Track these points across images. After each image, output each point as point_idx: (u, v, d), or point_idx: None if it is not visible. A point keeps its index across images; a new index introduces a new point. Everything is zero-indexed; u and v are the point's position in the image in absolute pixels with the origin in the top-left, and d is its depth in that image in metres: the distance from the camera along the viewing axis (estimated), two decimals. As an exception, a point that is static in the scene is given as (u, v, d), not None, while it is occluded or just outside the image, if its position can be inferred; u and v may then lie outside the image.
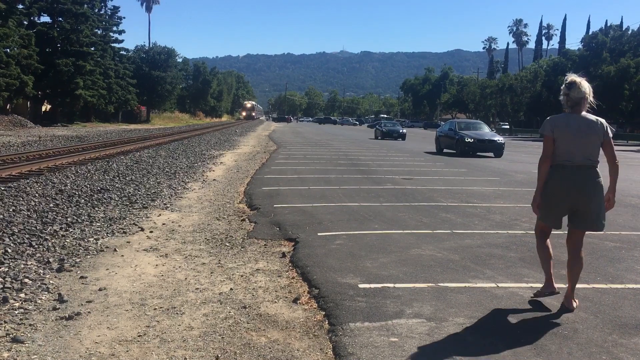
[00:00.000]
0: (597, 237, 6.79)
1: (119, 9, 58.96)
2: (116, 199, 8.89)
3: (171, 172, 13.16)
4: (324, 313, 4.09)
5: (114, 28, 58.59)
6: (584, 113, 4.17)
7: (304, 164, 16.58)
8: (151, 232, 6.78)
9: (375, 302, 4.25)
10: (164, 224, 7.31)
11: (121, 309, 4.13)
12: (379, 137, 38.81)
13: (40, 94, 44.86)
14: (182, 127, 55.02)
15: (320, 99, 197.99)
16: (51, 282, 4.67)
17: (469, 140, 22.08)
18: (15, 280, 4.57)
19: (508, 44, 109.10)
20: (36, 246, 5.68)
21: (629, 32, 60.27)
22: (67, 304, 4.16)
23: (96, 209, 7.99)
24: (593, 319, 4.04)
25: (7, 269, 4.82)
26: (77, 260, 5.38)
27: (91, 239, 6.21)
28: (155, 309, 4.15)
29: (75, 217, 7.21)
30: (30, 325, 3.74)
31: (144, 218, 7.62)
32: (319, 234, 6.72)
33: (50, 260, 5.27)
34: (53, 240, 5.97)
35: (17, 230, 6.18)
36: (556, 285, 4.37)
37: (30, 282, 4.58)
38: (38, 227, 6.46)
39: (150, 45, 75.28)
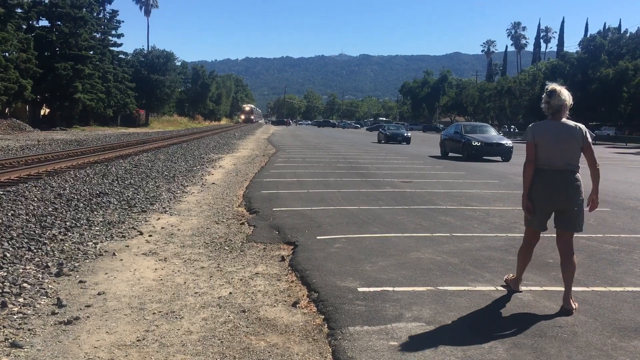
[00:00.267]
0: (596, 239, 6.80)
1: (117, 12, 59.02)
2: (115, 203, 8.88)
3: (170, 176, 13.14)
4: (323, 317, 4.09)
5: (113, 32, 58.58)
6: (564, 119, 4.36)
7: (303, 167, 16.59)
8: (150, 236, 6.78)
9: (374, 306, 4.25)
10: (163, 227, 7.31)
11: (120, 313, 4.12)
12: (383, 141, 37.20)
13: (39, 97, 44.82)
14: (181, 130, 55.05)
15: (319, 102, 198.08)
16: (50, 286, 4.66)
17: (476, 143, 21.33)
18: (14, 284, 4.56)
19: (507, 46, 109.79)
20: (35, 250, 5.67)
21: (627, 34, 60.46)
22: (66, 309, 4.15)
23: (95, 213, 7.98)
24: (592, 322, 4.04)
25: (5, 274, 4.81)
26: (76, 264, 5.37)
27: (90, 243, 6.20)
28: (154, 313, 4.14)
29: (74, 221, 7.20)
30: (29, 330, 3.73)
31: (143, 222, 7.61)
32: (318, 237, 6.71)
33: (49, 264, 5.26)
34: (52, 245, 5.96)
35: (15, 235, 6.17)
36: (554, 288, 4.37)
37: (29, 286, 4.57)
38: (37, 232, 6.45)
39: (149, 49, 75.20)
